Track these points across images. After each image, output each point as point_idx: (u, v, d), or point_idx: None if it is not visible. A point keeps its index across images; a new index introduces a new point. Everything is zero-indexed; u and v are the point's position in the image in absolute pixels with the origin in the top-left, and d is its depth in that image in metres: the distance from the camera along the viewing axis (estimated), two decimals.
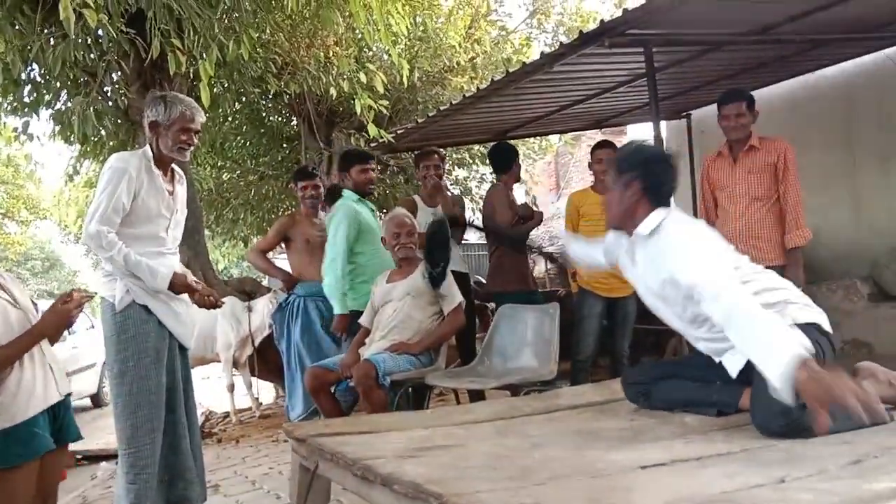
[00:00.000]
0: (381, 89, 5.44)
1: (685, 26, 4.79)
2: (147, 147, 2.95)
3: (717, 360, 2.34)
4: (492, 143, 5.28)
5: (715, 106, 7.74)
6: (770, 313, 1.99)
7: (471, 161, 9.59)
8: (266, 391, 7.24)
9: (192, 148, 2.98)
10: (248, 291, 7.03)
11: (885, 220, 6.30)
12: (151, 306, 2.87)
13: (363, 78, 5.40)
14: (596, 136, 13.44)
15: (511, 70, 5.58)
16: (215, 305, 3.03)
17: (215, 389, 7.56)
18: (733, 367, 2.26)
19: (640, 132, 9.70)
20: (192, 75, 5.25)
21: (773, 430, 1.98)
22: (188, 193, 3.19)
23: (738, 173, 3.93)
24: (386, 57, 7.09)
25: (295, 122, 8.97)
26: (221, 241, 10.92)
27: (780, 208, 3.88)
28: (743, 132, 3.90)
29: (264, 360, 6.40)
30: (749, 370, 2.22)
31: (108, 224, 2.75)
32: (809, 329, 2.17)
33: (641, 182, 2.38)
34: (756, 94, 7.07)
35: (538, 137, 9.25)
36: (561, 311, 4.70)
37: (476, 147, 9.27)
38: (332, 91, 5.91)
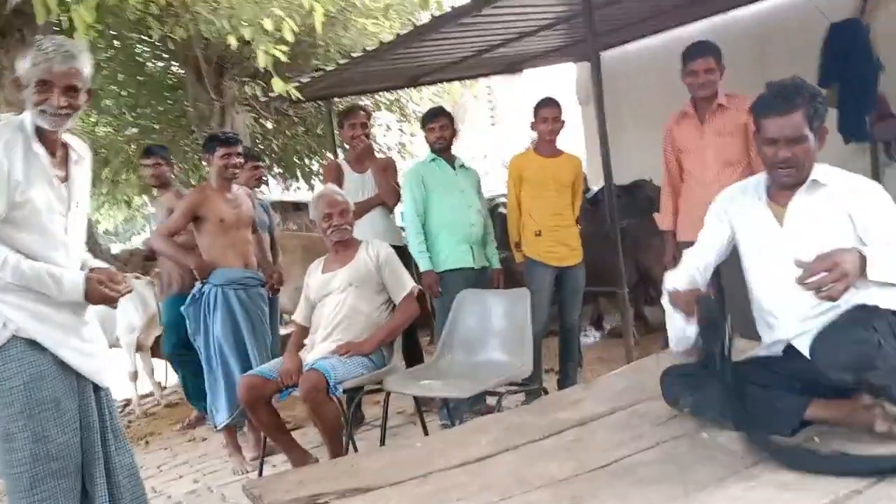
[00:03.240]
0: (290, 38, 4.78)
1: None
2: (26, 115, 2.17)
3: (792, 341, 2.10)
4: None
5: (628, 47, 7.68)
6: None
7: (375, 108, 8.98)
8: (164, 372, 6.52)
9: (63, 111, 2.13)
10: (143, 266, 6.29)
11: None
12: (43, 339, 2.14)
13: (268, 25, 4.71)
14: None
15: (436, 14, 5.08)
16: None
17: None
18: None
19: (537, 76, 9.37)
20: (60, 22, 4.42)
21: (840, 359, 1.84)
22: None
23: (706, 136, 3.61)
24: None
25: (179, 70, 8.02)
26: (101, 204, 9.84)
27: (753, 174, 3.63)
28: (711, 89, 3.58)
29: None
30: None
31: None
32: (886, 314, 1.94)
33: (825, 128, 2.11)
34: (668, 35, 7.12)
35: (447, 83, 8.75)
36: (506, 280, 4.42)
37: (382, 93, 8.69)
38: (232, 40, 5.17)
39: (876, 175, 5.95)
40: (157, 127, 8.49)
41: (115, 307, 2.38)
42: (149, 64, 8.21)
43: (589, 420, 2.31)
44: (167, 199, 4.62)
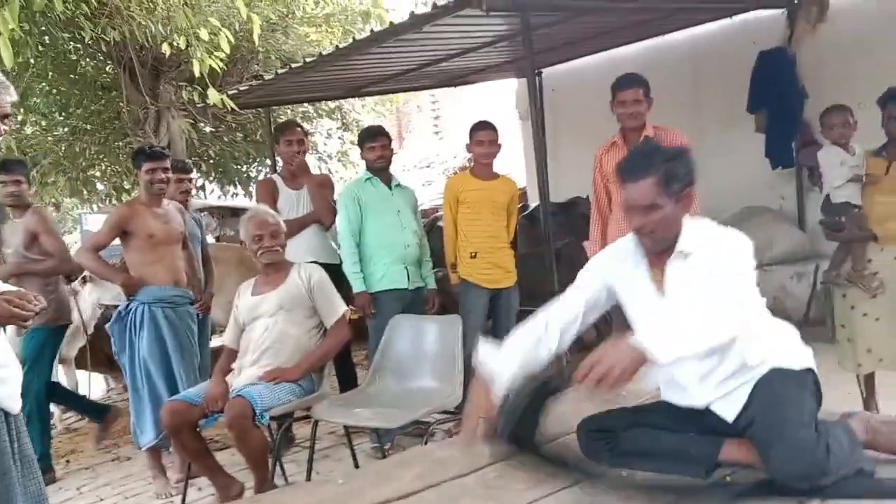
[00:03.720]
0: (226, 48, 4.70)
1: None
2: None
3: (708, 406, 2.09)
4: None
5: (568, 64, 7.80)
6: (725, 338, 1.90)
7: (316, 115, 8.89)
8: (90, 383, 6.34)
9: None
10: (66, 274, 6.08)
11: (728, 183, 6.52)
12: None
13: (203, 35, 4.62)
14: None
15: (375, 29, 5.07)
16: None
17: None
18: (731, 411, 2.03)
19: (482, 87, 9.36)
20: None
21: (794, 471, 1.83)
22: None
23: None
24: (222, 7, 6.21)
25: (112, 69, 7.78)
26: None
27: None
28: (639, 120, 3.68)
29: (92, 348, 5.61)
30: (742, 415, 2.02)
31: None
32: (807, 375, 2.02)
33: (690, 190, 2.01)
34: (607, 54, 7.26)
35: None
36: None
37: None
38: (166, 48, 5.05)
39: (800, 199, 6.19)
40: (88, 128, 8.21)
41: (27, 325, 2.32)
42: (81, 62, 7.94)
43: (513, 455, 2.33)
44: (26, 221, 4.18)
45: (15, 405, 2.29)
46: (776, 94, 5.79)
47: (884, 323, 3.50)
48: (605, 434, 2.17)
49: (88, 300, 5.26)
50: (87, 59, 8.05)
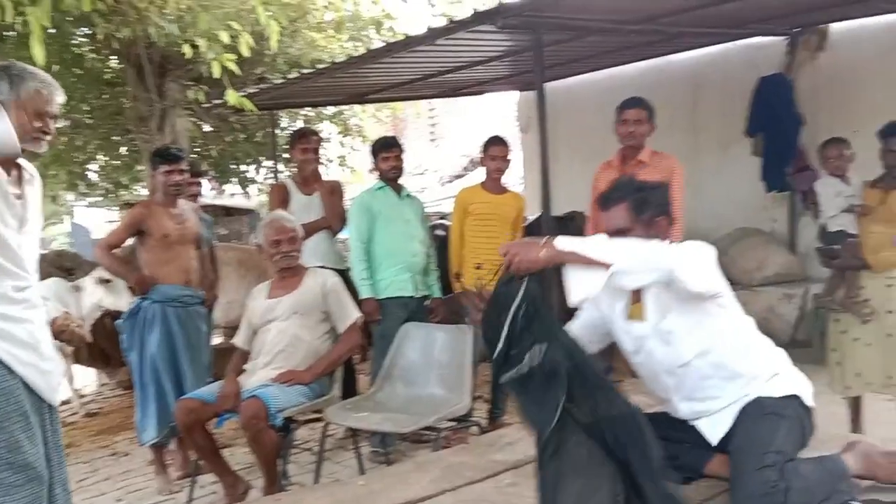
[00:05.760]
0: (246, 53, 4.77)
1: (573, 11, 4.67)
2: None
3: (691, 422, 2.22)
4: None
5: (570, 80, 7.92)
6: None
7: (317, 119, 8.95)
8: (82, 378, 6.36)
9: (49, 137, 2.30)
10: (67, 268, 6.12)
11: (723, 204, 6.65)
12: (8, 359, 2.16)
13: (224, 38, 4.69)
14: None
15: (390, 41, 5.18)
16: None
17: None
18: (714, 434, 2.15)
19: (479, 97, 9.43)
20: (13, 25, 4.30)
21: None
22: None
23: None
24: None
25: (118, 65, 7.81)
26: None
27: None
28: (638, 141, 3.82)
29: (90, 345, 5.63)
30: (727, 439, 2.13)
31: None
32: (790, 402, 2.11)
33: (662, 219, 2.23)
34: (608, 73, 7.38)
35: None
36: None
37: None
38: (186, 48, 5.10)
39: (792, 222, 6.33)
40: (89, 122, 8.23)
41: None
42: (86, 57, 7.95)
43: (523, 463, 2.42)
44: None
45: (56, 397, 2.40)
46: (774, 119, 5.94)
47: (873, 348, 3.63)
48: None
49: (89, 300, 5.27)
50: (94, 55, 8.08)
